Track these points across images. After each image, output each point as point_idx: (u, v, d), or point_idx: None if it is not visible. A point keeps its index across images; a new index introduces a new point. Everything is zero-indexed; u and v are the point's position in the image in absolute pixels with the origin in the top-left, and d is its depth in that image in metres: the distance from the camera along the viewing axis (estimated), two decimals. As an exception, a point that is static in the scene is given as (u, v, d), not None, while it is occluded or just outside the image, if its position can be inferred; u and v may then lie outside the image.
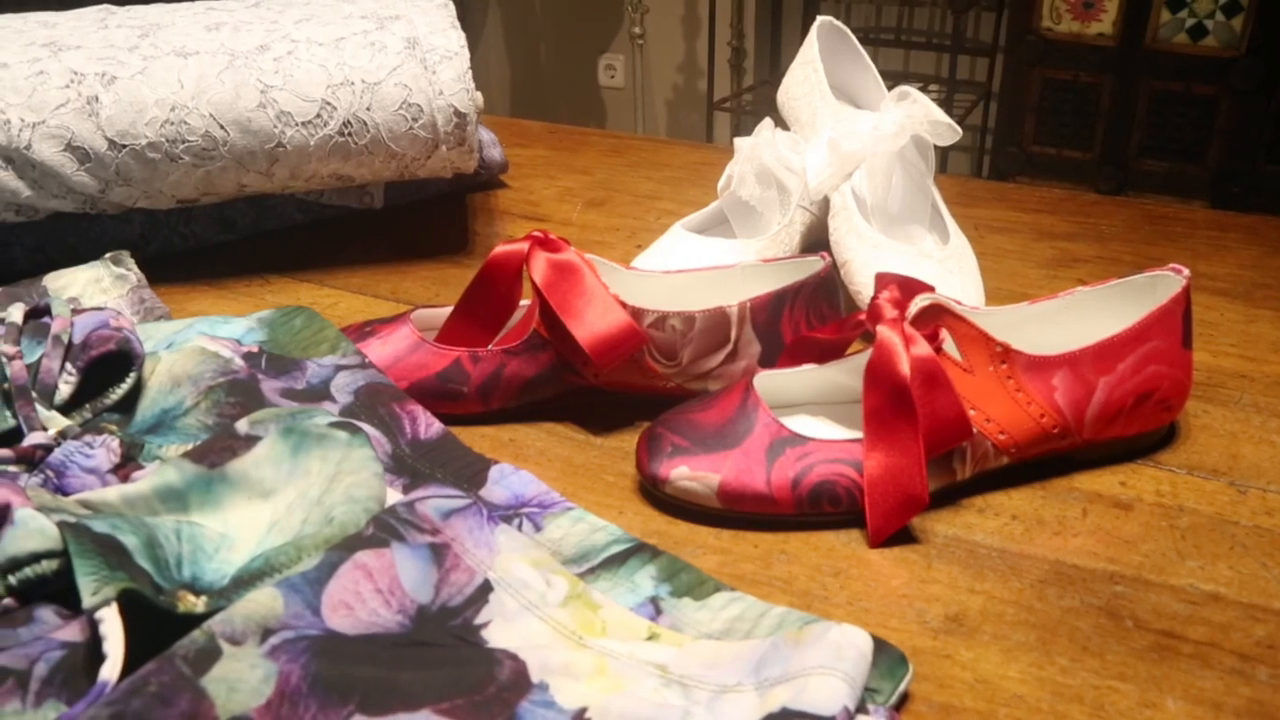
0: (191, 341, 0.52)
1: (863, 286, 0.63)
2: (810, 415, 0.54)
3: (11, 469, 0.43)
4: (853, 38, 0.76)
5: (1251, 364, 0.61)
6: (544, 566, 0.39)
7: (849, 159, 0.67)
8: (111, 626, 0.33)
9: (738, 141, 0.73)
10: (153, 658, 0.31)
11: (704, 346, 0.54)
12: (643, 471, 0.49)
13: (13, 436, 0.45)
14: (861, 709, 0.35)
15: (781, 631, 0.38)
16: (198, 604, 0.36)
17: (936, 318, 0.48)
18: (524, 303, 0.58)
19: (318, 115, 0.68)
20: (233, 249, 0.78)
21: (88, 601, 0.33)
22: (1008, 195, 0.88)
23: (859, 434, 0.48)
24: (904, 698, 0.39)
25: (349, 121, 0.69)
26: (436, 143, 0.72)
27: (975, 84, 2.27)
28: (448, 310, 0.58)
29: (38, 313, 0.51)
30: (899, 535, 0.47)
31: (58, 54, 0.67)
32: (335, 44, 0.70)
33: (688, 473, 0.48)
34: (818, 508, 0.47)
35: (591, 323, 0.52)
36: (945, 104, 2.13)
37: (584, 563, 0.43)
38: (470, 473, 0.48)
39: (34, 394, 0.47)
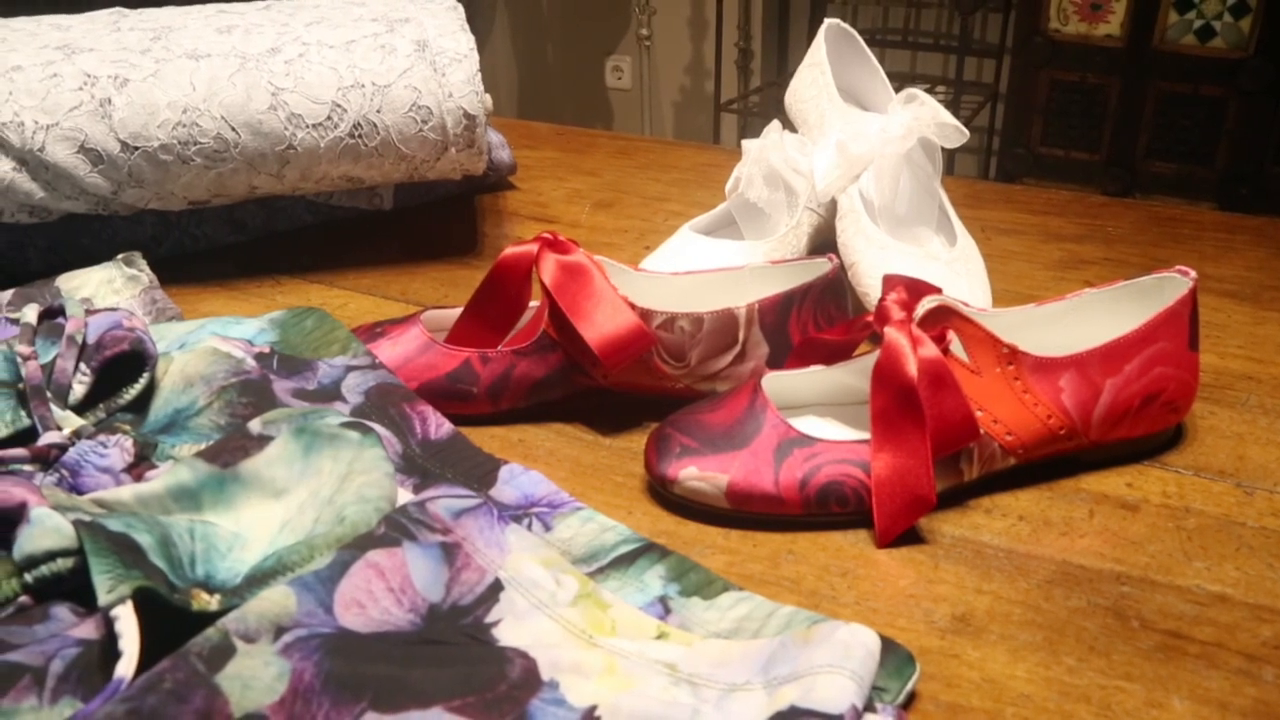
0: (203, 342, 0.53)
1: (870, 288, 0.63)
2: (818, 416, 0.54)
3: (27, 468, 0.43)
4: (860, 40, 0.77)
5: (1259, 366, 0.61)
6: (554, 566, 0.40)
7: (856, 161, 0.67)
8: (126, 624, 0.33)
9: (746, 143, 0.73)
10: (167, 655, 0.32)
11: (712, 348, 0.55)
12: (651, 472, 0.50)
13: (28, 436, 0.46)
14: (869, 708, 0.35)
15: (789, 631, 0.38)
16: (211, 602, 0.36)
17: (944, 319, 0.48)
18: (533, 304, 0.59)
19: (328, 117, 0.69)
20: (243, 250, 0.78)
21: (103, 599, 0.34)
22: (1015, 197, 0.88)
23: (866, 435, 0.48)
24: (911, 697, 0.39)
25: (359, 124, 0.69)
26: (446, 145, 0.72)
27: (982, 85, 2.27)
28: (457, 311, 0.59)
29: (52, 313, 0.51)
30: (906, 536, 0.47)
31: (71, 57, 0.67)
32: (345, 46, 0.70)
33: (696, 473, 0.48)
34: (825, 508, 0.48)
35: (600, 324, 0.52)
36: (952, 106, 2.13)
37: (593, 562, 0.43)
38: (480, 473, 0.48)
39: (49, 394, 0.47)
